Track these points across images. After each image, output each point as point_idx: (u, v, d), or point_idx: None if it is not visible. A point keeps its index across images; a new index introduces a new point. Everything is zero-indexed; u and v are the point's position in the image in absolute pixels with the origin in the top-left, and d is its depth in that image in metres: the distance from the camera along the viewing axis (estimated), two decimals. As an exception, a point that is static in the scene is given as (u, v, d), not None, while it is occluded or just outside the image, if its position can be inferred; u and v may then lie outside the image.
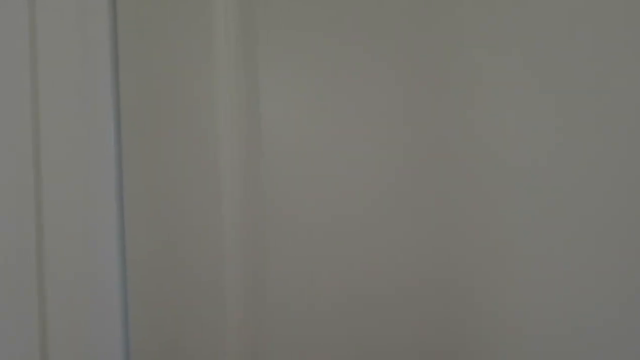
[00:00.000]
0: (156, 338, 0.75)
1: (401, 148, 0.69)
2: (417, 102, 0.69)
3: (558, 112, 0.66)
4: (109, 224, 0.75)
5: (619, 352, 0.64)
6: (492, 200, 0.67)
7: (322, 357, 0.72)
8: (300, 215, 0.72)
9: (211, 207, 0.73)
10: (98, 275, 0.74)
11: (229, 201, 0.73)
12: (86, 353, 0.74)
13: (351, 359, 0.71)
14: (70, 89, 0.74)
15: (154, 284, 0.75)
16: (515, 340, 0.67)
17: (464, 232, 0.68)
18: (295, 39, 0.72)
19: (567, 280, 0.65)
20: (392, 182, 0.70)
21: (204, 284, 0.74)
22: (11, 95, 0.72)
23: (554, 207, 0.66)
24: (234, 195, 0.73)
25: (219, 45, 0.73)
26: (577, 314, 0.65)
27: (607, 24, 0.64)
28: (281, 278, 0.72)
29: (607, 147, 0.64)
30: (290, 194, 0.72)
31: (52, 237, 0.73)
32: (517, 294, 0.66)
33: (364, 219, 0.70)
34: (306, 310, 0.72)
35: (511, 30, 0.67)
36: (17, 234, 0.72)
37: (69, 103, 0.74)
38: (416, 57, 0.69)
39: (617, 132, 0.64)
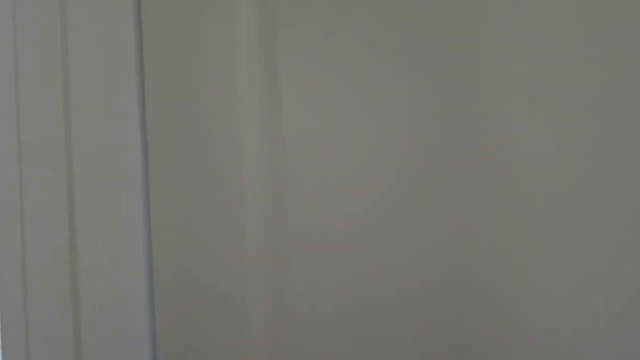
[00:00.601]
0: (181, 343, 0.77)
1: (422, 152, 0.69)
2: (437, 107, 0.69)
3: (565, 111, 0.65)
4: (136, 230, 0.76)
5: (633, 348, 0.65)
6: (504, 199, 0.67)
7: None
8: (322, 221, 0.72)
9: (234, 215, 0.74)
10: (126, 281, 0.76)
11: (251, 209, 0.74)
12: (116, 355, 0.76)
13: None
14: (98, 96, 0.76)
15: (179, 291, 0.77)
16: (529, 338, 0.67)
17: (480, 233, 0.68)
18: (316, 43, 0.72)
19: (578, 279, 0.65)
20: (412, 185, 0.69)
21: (227, 290, 0.75)
22: (44, 103, 0.75)
23: (562, 204, 0.65)
24: (256, 203, 0.74)
25: (241, 53, 0.74)
26: (587, 311, 0.65)
27: (614, 26, 0.64)
28: (303, 285, 0.73)
29: (615, 146, 0.64)
30: (311, 200, 0.73)
31: (84, 244, 0.75)
32: (530, 291, 0.66)
33: (384, 223, 0.71)
34: (329, 314, 0.72)
35: (518, 31, 0.67)
36: (51, 241, 0.75)
37: (97, 110, 0.76)
38: (434, 62, 0.69)
39: (626, 132, 0.64)
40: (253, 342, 0.74)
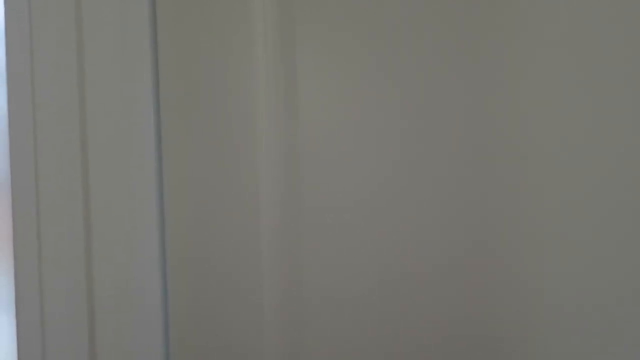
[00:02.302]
0: (195, 337, 0.77)
1: (440, 140, 0.70)
2: (454, 99, 0.70)
3: (579, 106, 0.66)
4: (150, 223, 0.76)
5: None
6: (522, 184, 0.68)
7: (363, 354, 0.73)
8: (336, 213, 0.73)
9: (249, 208, 0.75)
10: (140, 277, 0.76)
11: (265, 202, 0.74)
12: (129, 353, 0.76)
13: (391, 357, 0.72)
14: (113, 84, 0.76)
15: (192, 283, 0.77)
16: (545, 322, 0.67)
17: (497, 219, 0.68)
18: (333, 38, 0.73)
19: (595, 265, 0.66)
20: (429, 173, 0.70)
21: (241, 281, 0.75)
22: (60, 97, 0.76)
23: (579, 190, 0.66)
24: (270, 195, 0.74)
25: (258, 46, 0.74)
26: (604, 299, 0.65)
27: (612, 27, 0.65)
28: (318, 276, 0.73)
29: (631, 136, 0.65)
30: (326, 192, 0.73)
31: (99, 239, 0.76)
32: (547, 275, 0.67)
33: (399, 213, 0.71)
34: (344, 304, 0.72)
35: (532, 23, 0.67)
36: (66, 235, 0.76)
37: (112, 103, 0.76)
38: (451, 58, 0.70)
39: None
40: (267, 334, 0.74)
